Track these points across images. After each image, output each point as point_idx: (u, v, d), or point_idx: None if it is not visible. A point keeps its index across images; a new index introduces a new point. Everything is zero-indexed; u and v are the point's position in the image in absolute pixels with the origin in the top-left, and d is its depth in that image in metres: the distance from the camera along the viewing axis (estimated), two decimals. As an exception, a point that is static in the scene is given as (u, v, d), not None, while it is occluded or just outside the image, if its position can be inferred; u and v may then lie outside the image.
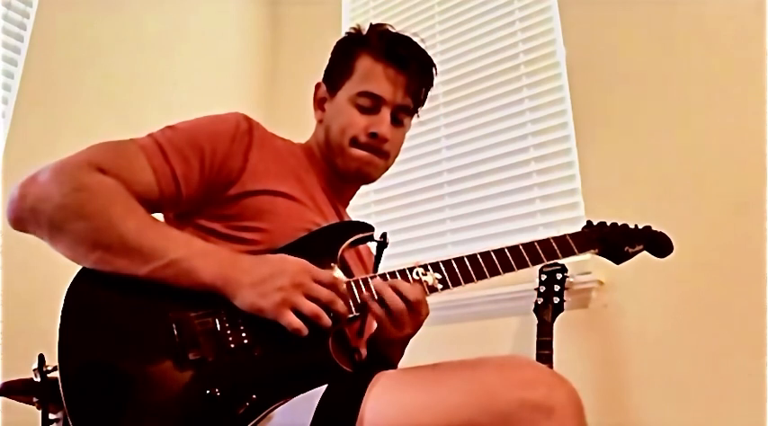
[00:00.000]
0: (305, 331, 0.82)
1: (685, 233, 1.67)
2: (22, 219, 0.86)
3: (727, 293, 1.59)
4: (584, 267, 1.82)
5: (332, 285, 0.87)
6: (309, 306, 0.83)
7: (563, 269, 1.73)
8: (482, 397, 0.70)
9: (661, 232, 1.18)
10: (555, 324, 1.67)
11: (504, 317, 1.89)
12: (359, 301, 0.90)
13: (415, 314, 0.91)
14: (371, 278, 0.93)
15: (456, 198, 2.19)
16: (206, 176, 0.94)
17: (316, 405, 0.76)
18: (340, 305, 0.86)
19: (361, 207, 2.41)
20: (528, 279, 1.81)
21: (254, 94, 2.74)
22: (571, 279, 1.76)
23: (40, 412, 0.87)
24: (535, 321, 1.69)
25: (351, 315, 0.89)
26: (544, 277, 1.74)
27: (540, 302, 1.71)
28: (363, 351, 1.05)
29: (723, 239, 1.63)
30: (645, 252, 1.18)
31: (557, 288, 1.71)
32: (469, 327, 1.85)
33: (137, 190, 0.88)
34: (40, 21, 2.02)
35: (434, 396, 0.72)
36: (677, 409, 1.59)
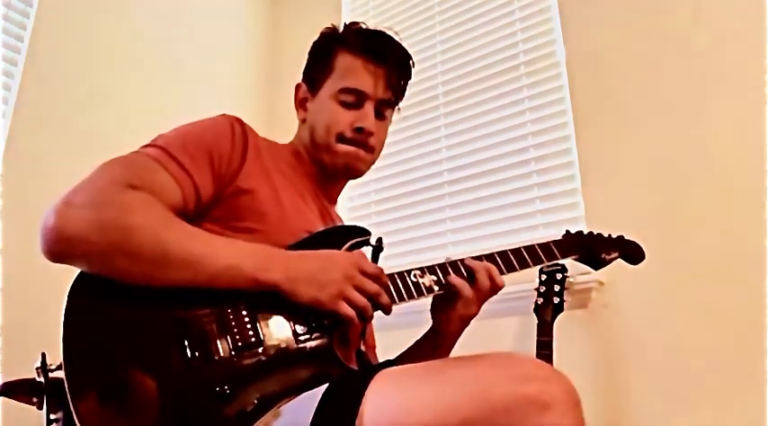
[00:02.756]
0: (357, 320, 0.88)
1: (685, 232, 1.68)
2: (63, 252, 0.82)
3: (728, 293, 1.59)
4: (584, 267, 1.82)
5: (377, 277, 0.91)
6: (361, 300, 0.88)
7: (563, 269, 1.73)
8: (479, 392, 0.70)
9: (633, 241, 1.26)
10: (555, 324, 1.67)
11: (504, 317, 1.89)
12: (403, 292, 0.96)
13: (493, 294, 1.02)
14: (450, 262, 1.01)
15: (456, 198, 2.19)
16: (216, 180, 0.95)
17: (317, 402, 0.76)
18: (384, 297, 0.91)
19: (361, 207, 2.41)
20: (528, 279, 1.81)
21: (253, 94, 2.74)
22: (571, 279, 1.76)
23: (40, 412, 0.87)
24: (535, 321, 1.69)
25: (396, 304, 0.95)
26: (544, 277, 1.74)
27: (540, 302, 1.71)
28: (367, 351, 1.08)
29: (723, 238, 1.63)
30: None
31: (557, 288, 1.71)
32: (470, 327, 1.84)
33: (165, 203, 0.88)
34: (39, 21, 2.02)
35: (433, 392, 0.73)
36: (677, 409, 1.59)
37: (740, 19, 1.75)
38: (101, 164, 0.90)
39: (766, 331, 1.48)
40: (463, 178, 2.19)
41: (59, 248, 0.82)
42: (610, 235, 1.24)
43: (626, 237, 1.26)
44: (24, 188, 1.79)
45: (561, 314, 1.69)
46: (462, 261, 1.02)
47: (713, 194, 1.68)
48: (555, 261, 1.14)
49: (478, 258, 1.03)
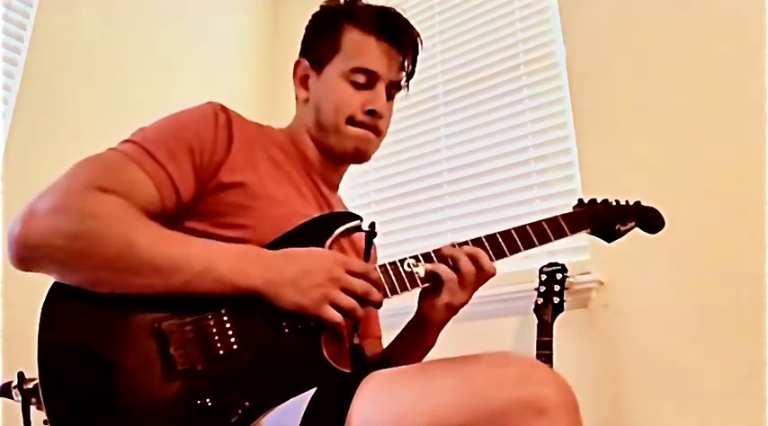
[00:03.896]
0: (344, 323, 0.84)
1: (685, 233, 1.68)
2: (28, 259, 0.79)
3: (727, 292, 1.59)
4: (584, 267, 1.82)
5: (364, 274, 0.87)
6: (348, 301, 0.84)
7: (563, 269, 1.73)
8: (472, 397, 0.66)
9: (652, 207, 1.15)
10: (555, 324, 1.67)
11: (504, 317, 1.90)
12: (396, 285, 0.91)
13: (482, 280, 0.94)
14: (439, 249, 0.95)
15: (456, 197, 2.19)
16: (198, 175, 0.90)
17: (305, 408, 0.74)
18: (375, 294, 0.87)
19: (361, 207, 2.41)
20: (528, 279, 1.81)
21: (254, 92, 2.74)
22: (571, 279, 1.76)
23: (40, 412, 0.87)
24: (535, 321, 1.69)
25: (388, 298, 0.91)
26: (544, 277, 1.74)
27: (540, 302, 1.71)
28: (366, 344, 1.06)
29: (723, 239, 1.63)
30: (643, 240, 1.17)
31: (557, 288, 1.71)
32: (469, 327, 1.84)
33: (140, 204, 0.84)
34: (40, 21, 2.02)
35: (423, 397, 0.69)
36: (677, 409, 1.59)
37: (741, 19, 1.74)
38: (74, 163, 0.86)
39: (766, 330, 1.48)
40: (463, 178, 2.19)
41: (24, 256, 0.79)
42: (627, 202, 1.14)
43: (643, 203, 1.16)
44: (24, 188, 1.79)
45: (561, 314, 1.69)
46: (439, 250, 0.94)
47: (713, 194, 1.68)
48: (564, 237, 1.04)
49: (478, 239, 0.96)
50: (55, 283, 0.80)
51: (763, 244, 1.53)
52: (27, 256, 0.79)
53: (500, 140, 2.14)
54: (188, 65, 2.47)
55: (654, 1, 1.93)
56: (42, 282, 0.80)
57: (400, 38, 1.05)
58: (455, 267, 0.92)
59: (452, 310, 0.96)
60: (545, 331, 1.65)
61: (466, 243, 0.97)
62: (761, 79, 1.64)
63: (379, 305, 0.89)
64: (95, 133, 2.06)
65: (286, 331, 0.83)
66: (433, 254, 0.95)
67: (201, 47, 2.57)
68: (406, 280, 0.92)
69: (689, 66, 1.81)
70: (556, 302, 1.69)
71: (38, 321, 0.77)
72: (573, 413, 0.66)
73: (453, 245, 0.96)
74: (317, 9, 1.11)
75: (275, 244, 0.88)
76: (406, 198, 2.32)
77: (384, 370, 0.77)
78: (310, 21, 1.11)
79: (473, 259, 0.93)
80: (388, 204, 2.36)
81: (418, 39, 1.09)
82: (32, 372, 0.83)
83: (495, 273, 0.94)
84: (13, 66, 1.94)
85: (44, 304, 0.78)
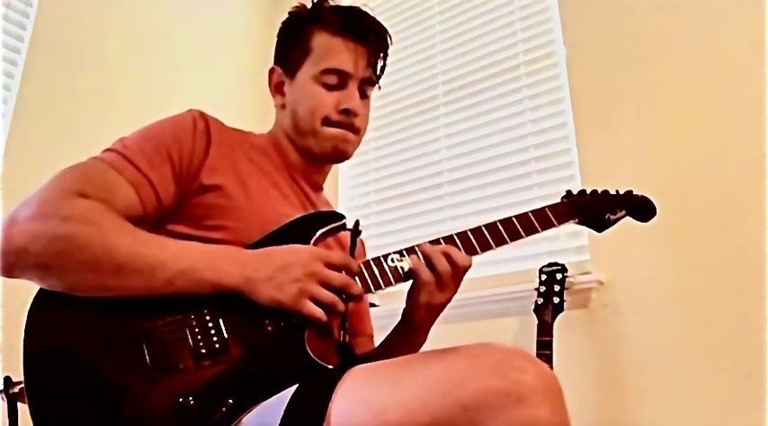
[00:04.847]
0: (325, 318, 0.83)
1: (686, 233, 1.68)
2: (10, 266, 0.80)
3: (727, 293, 1.59)
4: (584, 267, 1.82)
5: (344, 268, 0.87)
6: (327, 295, 0.83)
7: (563, 269, 1.73)
8: (450, 388, 0.65)
9: (643, 195, 1.15)
10: (555, 324, 1.67)
11: (504, 317, 1.89)
12: (379, 280, 0.90)
13: (459, 276, 0.93)
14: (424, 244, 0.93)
15: (456, 198, 2.20)
16: (178, 180, 0.92)
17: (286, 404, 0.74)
18: (356, 288, 0.87)
19: (361, 207, 2.41)
20: (528, 279, 1.81)
21: (253, 94, 2.74)
22: (571, 279, 1.76)
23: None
24: (535, 321, 1.69)
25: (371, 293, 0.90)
26: (544, 277, 1.74)
27: (540, 302, 1.71)
28: (357, 341, 1.07)
29: (723, 239, 1.63)
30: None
31: (557, 288, 1.71)
32: (469, 327, 1.85)
33: (120, 209, 0.86)
34: (39, 21, 2.02)
35: (401, 391, 0.69)
36: (677, 409, 1.59)
37: (740, 18, 1.75)
38: (55, 173, 0.87)
39: (766, 330, 1.48)
40: (463, 178, 2.19)
41: (6, 263, 0.80)
42: (617, 191, 1.14)
43: (635, 192, 1.15)
44: (24, 188, 1.79)
45: (561, 314, 1.69)
46: (418, 246, 0.94)
47: (713, 194, 1.68)
48: (552, 228, 1.05)
49: (463, 234, 0.96)
50: (40, 289, 0.82)
51: (764, 243, 1.53)
52: (9, 263, 0.80)
53: (500, 140, 2.14)
54: (187, 65, 2.48)
55: (653, 1, 1.93)
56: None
57: (366, 35, 1.06)
58: (431, 267, 0.92)
59: (434, 309, 0.95)
60: (545, 331, 1.65)
61: (450, 237, 0.96)
62: (760, 78, 1.64)
63: (359, 298, 0.88)
64: (95, 133, 2.06)
65: (269, 328, 0.83)
66: (417, 249, 0.94)
67: (201, 47, 2.58)
68: (389, 275, 0.92)
69: (689, 65, 1.81)
70: (556, 302, 1.69)
71: (23, 327, 0.79)
72: (554, 400, 0.65)
73: (436, 240, 0.95)
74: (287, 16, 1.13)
75: (258, 245, 0.89)
76: (406, 198, 2.32)
77: (365, 365, 0.77)
78: (280, 28, 1.12)
79: (447, 257, 0.92)
80: (388, 204, 2.36)
81: (386, 34, 1.10)
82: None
83: (471, 265, 0.94)
84: (13, 66, 1.94)
85: (29, 310, 0.80)
